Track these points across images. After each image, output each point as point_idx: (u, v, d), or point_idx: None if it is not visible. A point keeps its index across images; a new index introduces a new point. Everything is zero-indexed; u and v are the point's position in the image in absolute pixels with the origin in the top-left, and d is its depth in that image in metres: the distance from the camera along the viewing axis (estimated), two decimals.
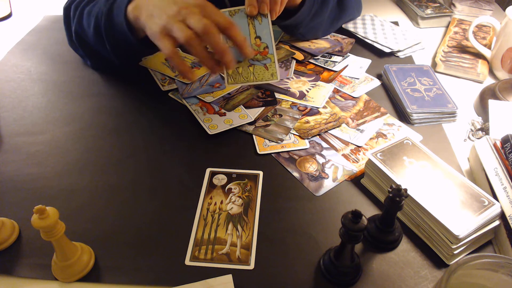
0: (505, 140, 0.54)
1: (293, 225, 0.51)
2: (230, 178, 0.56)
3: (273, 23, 0.62)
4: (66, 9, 0.75)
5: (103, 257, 0.47)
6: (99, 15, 0.66)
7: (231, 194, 0.54)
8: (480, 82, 0.79)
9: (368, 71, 0.79)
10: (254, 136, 0.63)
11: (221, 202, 0.53)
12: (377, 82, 0.76)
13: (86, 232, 0.49)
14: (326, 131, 0.64)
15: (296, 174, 0.57)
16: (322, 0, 0.76)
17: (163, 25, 0.54)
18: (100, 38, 0.67)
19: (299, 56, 0.81)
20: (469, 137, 0.65)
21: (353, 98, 0.72)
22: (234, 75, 0.59)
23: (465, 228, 0.44)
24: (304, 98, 0.71)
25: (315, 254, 0.47)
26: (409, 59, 0.83)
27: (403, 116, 0.68)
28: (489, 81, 0.79)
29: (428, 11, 0.97)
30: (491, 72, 0.81)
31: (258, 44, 0.60)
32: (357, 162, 0.59)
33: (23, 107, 0.69)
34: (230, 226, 0.50)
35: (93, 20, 0.67)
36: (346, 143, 0.63)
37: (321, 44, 0.84)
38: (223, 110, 0.67)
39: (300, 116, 0.67)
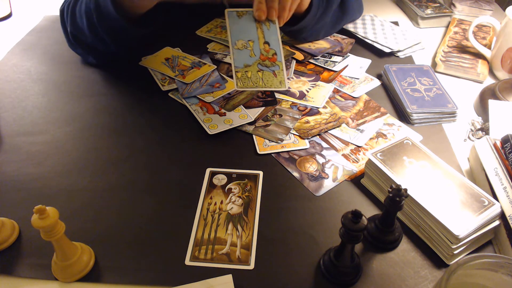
0: (505, 140, 0.54)
1: (293, 225, 0.51)
2: (230, 178, 0.56)
3: (279, 28, 0.61)
4: (61, 11, 0.75)
5: (103, 257, 0.47)
6: (88, 4, 0.67)
7: (231, 194, 0.54)
8: (480, 82, 0.79)
9: (368, 71, 0.79)
10: (254, 136, 0.63)
11: (221, 202, 0.53)
12: (377, 82, 0.76)
13: (86, 232, 0.49)
14: (326, 131, 0.64)
15: (296, 174, 0.57)
16: (326, 4, 0.75)
17: None
18: (94, 29, 0.68)
19: (299, 56, 0.81)
20: (469, 137, 0.65)
21: (353, 98, 0.72)
22: (244, 79, 0.58)
23: (465, 228, 0.44)
24: (304, 98, 0.71)
25: (315, 254, 0.47)
26: (409, 59, 0.83)
27: (403, 116, 0.68)
28: (489, 81, 0.79)
29: (428, 11, 0.97)
30: (491, 72, 0.81)
31: (267, 49, 0.59)
32: (357, 162, 0.59)
33: (23, 107, 0.69)
34: (230, 226, 0.50)
35: (84, 15, 0.68)
36: (346, 143, 0.62)
37: (321, 44, 0.84)
38: (223, 110, 0.67)
39: (300, 116, 0.67)
